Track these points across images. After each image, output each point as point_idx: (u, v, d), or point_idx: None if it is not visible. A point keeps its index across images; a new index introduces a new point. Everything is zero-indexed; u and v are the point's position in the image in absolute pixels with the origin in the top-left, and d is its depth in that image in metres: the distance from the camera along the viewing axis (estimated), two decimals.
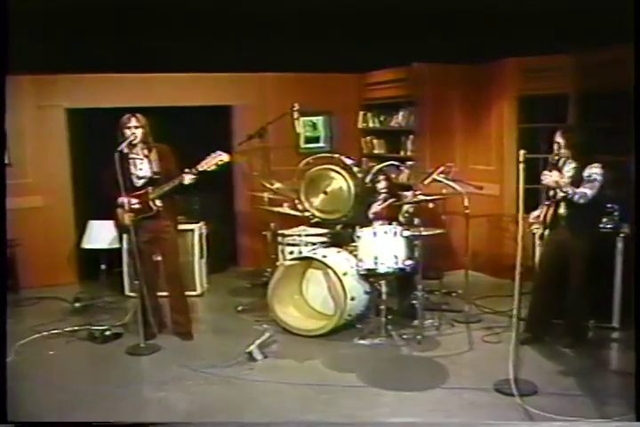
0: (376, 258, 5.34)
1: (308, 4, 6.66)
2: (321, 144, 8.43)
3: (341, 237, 6.47)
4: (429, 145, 7.69)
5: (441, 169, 5.90)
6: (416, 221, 5.61)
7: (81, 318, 6.22)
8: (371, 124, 8.52)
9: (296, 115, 6.49)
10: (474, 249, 6.66)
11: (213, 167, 5.31)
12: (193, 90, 7.70)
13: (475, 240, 6.47)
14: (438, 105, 7.64)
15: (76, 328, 5.88)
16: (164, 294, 5.72)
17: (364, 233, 5.46)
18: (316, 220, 6.62)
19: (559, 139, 5.02)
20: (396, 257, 5.34)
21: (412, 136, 7.79)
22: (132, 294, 6.72)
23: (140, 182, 5.48)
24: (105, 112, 6.61)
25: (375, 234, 5.40)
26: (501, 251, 7.43)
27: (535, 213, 5.25)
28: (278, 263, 6.39)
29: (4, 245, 4.57)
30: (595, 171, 4.94)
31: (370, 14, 6.96)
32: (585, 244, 5.05)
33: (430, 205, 6.17)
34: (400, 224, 5.61)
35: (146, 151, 5.48)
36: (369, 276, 5.52)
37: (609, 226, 5.59)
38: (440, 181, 5.90)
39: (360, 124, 8.68)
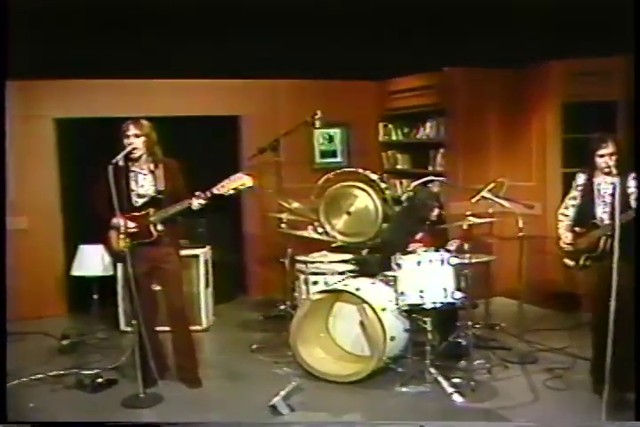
0: (422, 291, 4.51)
1: (322, 4, 6.04)
2: (338, 159, 7.78)
3: (369, 264, 5.72)
4: (462, 159, 7.01)
5: (491, 185, 5.10)
6: (465, 246, 4.81)
7: (69, 359, 5.40)
8: (393, 137, 7.86)
9: (318, 124, 5.70)
10: (512, 274, 5.93)
11: (232, 192, 4.50)
12: (197, 98, 7.10)
13: (513, 265, 5.73)
14: (472, 114, 6.99)
15: (62, 372, 5.04)
16: (165, 328, 4.90)
17: (405, 261, 4.63)
18: (337, 244, 5.89)
19: (611, 148, 4.25)
20: (444, 290, 4.52)
21: (442, 149, 7.08)
22: (127, 328, 5.95)
23: (139, 202, 4.67)
24: (98, 122, 6.20)
25: (419, 263, 4.57)
26: (544, 277, 6.64)
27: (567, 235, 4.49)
28: (296, 294, 5.68)
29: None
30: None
31: (391, 14, 6.31)
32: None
33: (464, 226, 5.37)
34: (447, 250, 4.77)
35: (151, 166, 4.68)
36: (411, 312, 4.68)
37: None
38: (490, 199, 5.10)
39: (381, 137, 8.00)
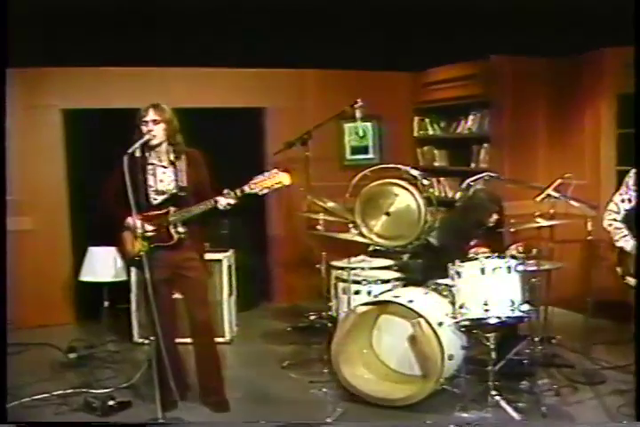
0: (485, 304, 3.93)
1: None
2: (370, 155, 7.28)
3: (411, 271, 5.25)
4: (508, 155, 6.53)
5: (558, 182, 4.53)
6: (534, 251, 4.33)
7: (75, 376, 4.88)
8: (430, 132, 7.37)
9: (359, 114, 5.17)
10: (563, 281, 5.50)
11: (266, 191, 3.97)
12: (219, 88, 6.67)
13: (564, 271, 5.15)
14: (520, 106, 6.52)
15: (68, 391, 4.49)
16: (185, 340, 4.37)
17: (466, 269, 4.06)
18: (374, 247, 5.39)
19: None
20: (512, 302, 3.94)
21: (485, 144, 6.58)
22: (142, 340, 5.51)
23: (158, 199, 4.13)
24: (108, 114, 5.85)
25: (483, 271, 4.00)
26: (595, 284, 6.09)
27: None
28: (331, 304, 5.13)
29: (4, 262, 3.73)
30: None
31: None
32: None
33: (512, 228, 4.82)
34: (512, 256, 4.21)
35: (172, 157, 4.14)
36: (472, 327, 4.10)
37: None
38: (557, 198, 4.53)
39: (416, 132, 7.51)
